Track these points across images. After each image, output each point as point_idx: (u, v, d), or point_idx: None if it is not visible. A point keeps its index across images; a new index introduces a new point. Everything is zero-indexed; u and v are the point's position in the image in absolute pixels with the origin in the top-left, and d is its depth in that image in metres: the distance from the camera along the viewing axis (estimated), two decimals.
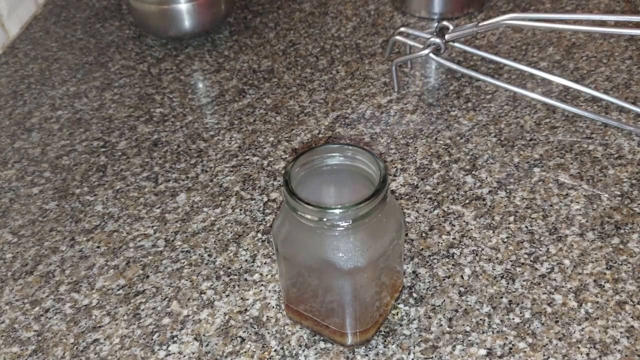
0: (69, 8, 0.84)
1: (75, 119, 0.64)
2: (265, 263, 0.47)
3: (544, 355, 0.39)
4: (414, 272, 0.45)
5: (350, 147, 0.38)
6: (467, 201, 0.50)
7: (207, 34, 0.75)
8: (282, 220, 0.38)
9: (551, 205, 0.49)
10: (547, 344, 0.40)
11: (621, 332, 0.40)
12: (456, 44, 0.63)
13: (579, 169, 0.52)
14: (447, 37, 0.61)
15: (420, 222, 0.49)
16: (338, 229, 0.36)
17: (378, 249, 0.37)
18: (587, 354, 0.39)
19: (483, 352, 0.40)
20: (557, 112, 0.58)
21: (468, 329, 0.41)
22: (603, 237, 0.46)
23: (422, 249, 0.47)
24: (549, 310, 0.42)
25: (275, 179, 0.54)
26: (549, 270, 0.44)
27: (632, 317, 0.41)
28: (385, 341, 0.41)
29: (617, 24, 0.62)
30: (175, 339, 0.43)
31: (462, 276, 0.44)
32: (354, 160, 0.38)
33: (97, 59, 0.73)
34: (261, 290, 0.45)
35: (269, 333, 0.42)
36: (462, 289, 0.44)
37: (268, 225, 0.50)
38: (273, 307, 0.44)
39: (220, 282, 0.46)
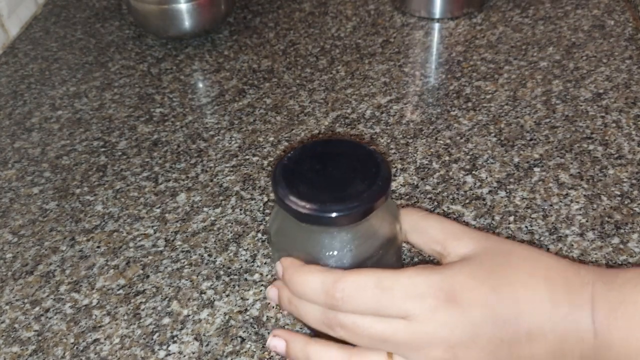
0: (69, 8, 0.84)
1: (75, 119, 0.64)
2: (265, 263, 0.47)
3: None
4: None
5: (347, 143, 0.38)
6: (467, 201, 0.50)
7: (207, 34, 0.75)
8: (276, 211, 0.38)
9: (551, 205, 0.49)
10: None
11: None
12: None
13: (579, 169, 0.52)
14: None
15: None
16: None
17: (366, 250, 0.37)
18: None
19: None
20: (557, 112, 0.58)
21: None
22: (603, 237, 0.46)
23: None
24: None
25: None
26: None
27: None
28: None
29: (617, 24, 0.62)
30: (175, 338, 0.43)
31: None
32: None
33: (97, 59, 0.73)
34: (261, 290, 0.45)
35: (269, 333, 0.42)
36: None
37: (268, 225, 0.50)
38: (273, 307, 0.44)
39: (220, 282, 0.46)
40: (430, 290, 0.33)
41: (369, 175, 0.36)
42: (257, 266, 0.47)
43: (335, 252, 0.36)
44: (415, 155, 0.55)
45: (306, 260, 0.37)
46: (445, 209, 0.50)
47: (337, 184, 0.36)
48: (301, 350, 0.37)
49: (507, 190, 0.51)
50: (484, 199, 0.50)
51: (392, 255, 0.39)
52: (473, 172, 0.53)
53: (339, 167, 0.37)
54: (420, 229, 0.39)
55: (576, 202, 0.49)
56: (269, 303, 0.44)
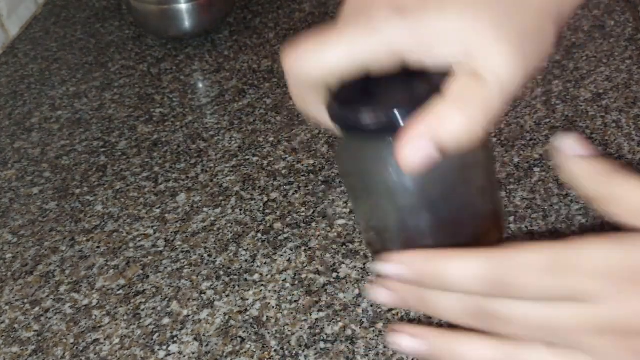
0: (69, 8, 0.84)
1: (75, 119, 0.64)
2: (265, 263, 0.47)
3: None
4: None
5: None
6: None
7: (207, 34, 0.75)
8: (338, 148, 0.34)
9: (551, 206, 0.49)
10: None
11: None
12: None
13: None
14: None
15: None
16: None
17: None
18: None
19: None
20: (557, 112, 0.58)
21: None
22: None
23: None
24: None
25: (275, 179, 0.54)
26: None
27: None
28: (385, 341, 0.41)
29: (617, 24, 0.62)
30: (175, 339, 0.43)
31: None
32: None
33: (97, 59, 0.73)
34: (261, 290, 0.45)
35: (269, 333, 0.42)
36: None
37: (268, 225, 0.50)
38: (273, 307, 0.44)
39: (220, 282, 0.46)
40: (614, 269, 0.26)
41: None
42: (257, 266, 0.47)
43: (394, 166, 0.30)
44: None
45: (367, 186, 0.32)
46: None
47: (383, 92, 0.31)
48: (447, 348, 0.30)
49: (507, 190, 0.51)
50: None
51: (480, 180, 0.33)
52: None
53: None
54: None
55: (576, 202, 0.49)
56: (269, 303, 0.44)
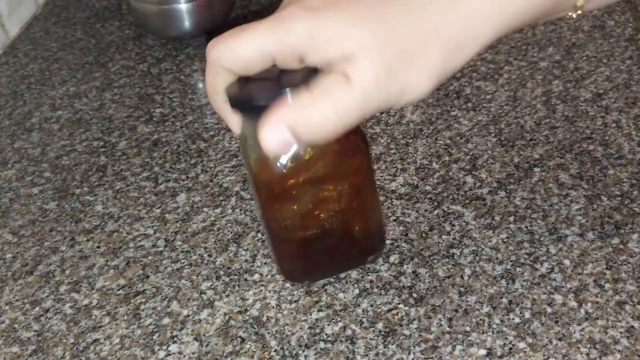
0: (69, 8, 0.84)
1: (75, 119, 0.64)
2: (265, 263, 0.47)
3: (544, 355, 0.39)
4: (414, 272, 0.45)
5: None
6: (467, 201, 0.50)
7: (207, 34, 0.75)
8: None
9: (551, 205, 0.49)
10: (547, 344, 0.40)
11: (621, 332, 0.40)
12: None
13: (579, 169, 0.52)
14: None
15: (420, 222, 0.49)
16: None
17: None
18: (587, 354, 0.39)
19: (483, 352, 0.40)
20: (557, 112, 0.58)
21: (468, 329, 0.41)
22: (603, 237, 0.46)
23: (422, 249, 0.47)
24: (549, 310, 0.42)
25: None
26: (549, 270, 0.44)
27: (632, 317, 0.41)
28: (385, 341, 0.41)
29: (617, 24, 0.62)
30: (175, 339, 0.43)
31: (462, 276, 0.44)
32: None
33: (97, 59, 0.73)
34: (261, 290, 0.45)
35: (269, 333, 0.42)
36: (462, 289, 0.44)
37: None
38: (273, 307, 0.44)
39: (220, 282, 0.46)
40: None
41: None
42: (257, 266, 0.47)
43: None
44: (415, 155, 0.55)
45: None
46: (445, 209, 0.50)
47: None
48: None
49: (507, 190, 0.51)
50: (484, 199, 0.50)
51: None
52: (473, 172, 0.53)
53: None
54: None
55: (576, 202, 0.49)
56: (269, 303, 0.44)
